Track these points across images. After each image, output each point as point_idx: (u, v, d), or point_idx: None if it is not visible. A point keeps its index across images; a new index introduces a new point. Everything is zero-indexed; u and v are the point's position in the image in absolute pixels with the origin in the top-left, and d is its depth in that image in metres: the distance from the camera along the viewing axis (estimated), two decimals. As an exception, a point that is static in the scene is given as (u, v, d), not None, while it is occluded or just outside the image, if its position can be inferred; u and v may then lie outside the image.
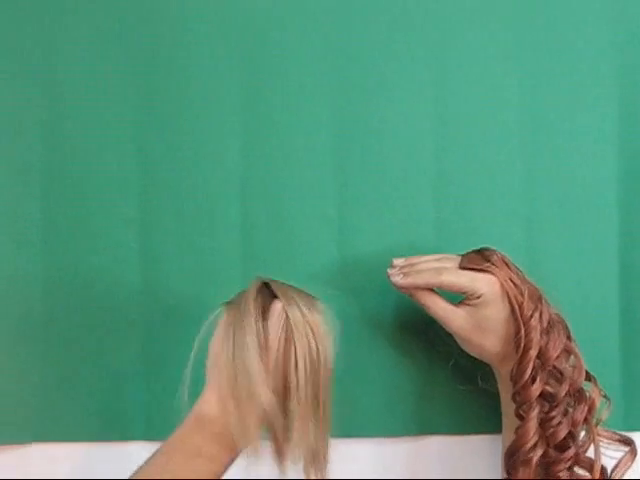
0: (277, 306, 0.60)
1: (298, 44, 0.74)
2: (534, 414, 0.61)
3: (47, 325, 0.73)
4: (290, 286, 0.63)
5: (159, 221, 0.73)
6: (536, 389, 0.61)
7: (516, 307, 0.62)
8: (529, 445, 0.60)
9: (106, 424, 0.73)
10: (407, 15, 0.75)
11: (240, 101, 0.74)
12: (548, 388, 0.62)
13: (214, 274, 0.74)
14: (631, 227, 0.76)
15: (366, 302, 0.74)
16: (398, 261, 0.67)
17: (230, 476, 0.61)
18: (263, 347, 0.58)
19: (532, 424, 0.61)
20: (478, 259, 0.64)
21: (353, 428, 0.74)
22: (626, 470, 0.64)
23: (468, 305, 0.63)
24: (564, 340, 0.63)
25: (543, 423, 0.61)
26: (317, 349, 0.59)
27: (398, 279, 0.64)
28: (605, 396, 0.64)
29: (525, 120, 0.75)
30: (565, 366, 0.63)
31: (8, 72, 0.73)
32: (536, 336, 0.61)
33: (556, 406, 0.61)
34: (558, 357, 0.62)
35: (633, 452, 0.64)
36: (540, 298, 0.63)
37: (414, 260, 0.66)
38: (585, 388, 0.64)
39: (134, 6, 0.74)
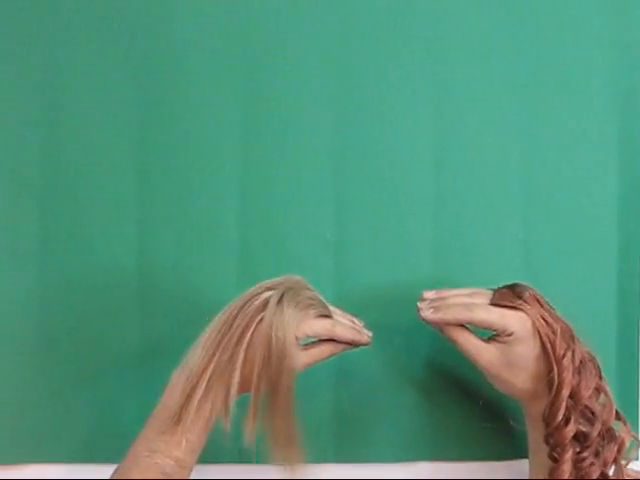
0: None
1: (298, 62, 0.74)
2: (568, 456, 0.60)
3: (43, 346, 0.72)
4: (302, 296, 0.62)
5: (156, 239, 0.73)
6: (570, 430, 0.60)
7: (548, 346, 0.61)
8: None
9: (102, 445, 0.72)
10: (406, 34, 0.74)
11: (239, 120, 0.74)
12: (581, 428, 0.60)
13: (211, 295, 0.73)
14: (630, 251, 0.76)
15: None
16: (428, 294, 0.66)
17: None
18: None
19: (567, 467, 0.59)
20: (510, 295, 0.63)
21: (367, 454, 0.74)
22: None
23: (499, 342, 0.62)
24: (596, 379, 0.62)
25: (575, 464, 0.60)
26: (274, 343, 0.59)
27: (428, 314, 0.63)
28: (635, 436, 0.63)
29: (524, 142, 0.75)
30: (596, 405, 0.62)
31: (7, 87, 0.73)
32: (568, 376, 0.60)
33: (588, 447, 0.60)
34: (590, 397, 0.61)
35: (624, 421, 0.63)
36: (572, 337, 0.62)
37: (444, 294, 0.65)
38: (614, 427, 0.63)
39: (134, 18, 0.73)
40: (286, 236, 0.73)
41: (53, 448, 0.72)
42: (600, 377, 0.63)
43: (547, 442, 0.61)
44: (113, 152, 0.73)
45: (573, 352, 0.61)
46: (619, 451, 0.62)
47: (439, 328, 0.65)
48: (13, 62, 0.72)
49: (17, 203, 0.72)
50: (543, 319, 0.61)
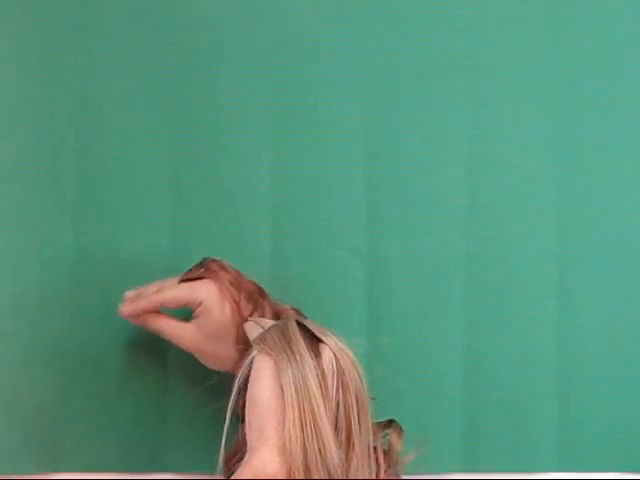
0: (327, 352, 0.55)
1: (331, 71, 0.75)
2: None
3: (71, 355, 0.73)
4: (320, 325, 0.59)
5: (190, 251, 0.73)
6: None
7: (234, 308, 0.62)
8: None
9: (130, 454, 0.73)
10: (442, 66, 0.76)
11: (272, 130, 0.75)
12: None
13: None
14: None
15: (394, 334, 0.74)
16: (129, 294, 0.67)
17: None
18: (326, 403, 0.53)
19: None
20: (196, 269, 0.65)
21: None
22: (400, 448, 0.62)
23: (195, 317, 0.64)
24: None
25: None
26: (364, 392, 0.56)
27: (124, 308, 0.65)
28: None
29: (558, 153, 0.75)
30: None
31: (40, 99, 0.73)
32: None
33: None
34: None
35: (397, 430, 0.62)
36: (263, 296, 0.63)
37: (142, 290, 0.66)
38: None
39: (167, 26, 0.74)
40: (319, 248, 0.74)
41: (79, 457, 0.73)
42: None
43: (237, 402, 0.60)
44: (146, 163, 0.74)
45: (263, 311, 0.62)
46: None
47: (140, 322, 0.66)
48: (46, 72, 0.73)
49: (51, 214, 0.73)
50: (229, 283, 0.62)
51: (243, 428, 0.58)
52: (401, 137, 0.75)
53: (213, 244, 0.73)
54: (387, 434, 0.61)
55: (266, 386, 0.53)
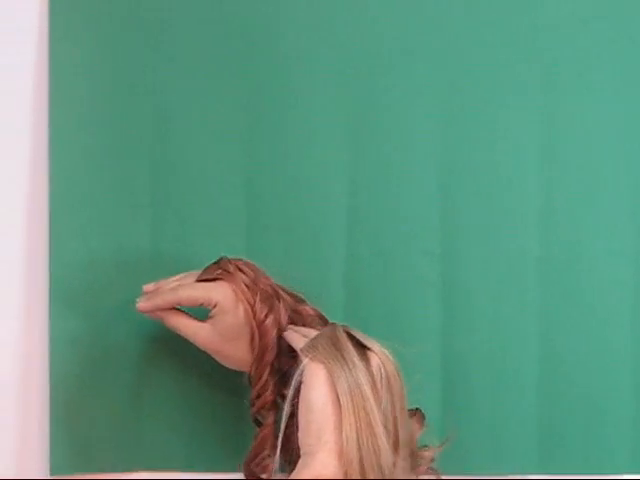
0: (375, 359, 0.57)
1: (403, 74, 0.75)
2: (271, 420, 0.60)
3: (147, 358, 0.73)
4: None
5: (264, 251, 0.73)
6: (271, 394, 0.60)
7: (249, 310, 0.61)
8: (267, 452, 0.59)
9: (211, 453, 0.73)
10: (514, 77, 0.75)
11: (347, 136, 0.74)
12: (287, 392, 0.58)
13: (318, 305, 0.70)
14: None
15: (469, 336, 0.74)
16: (148, 287, 0.67)
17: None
18: (378, 407, 0.55)
19: (269, 430, 0.60)
20: (213, 268, 0.64)
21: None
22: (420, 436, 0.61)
23: (211, 317, 0.63)
24: None
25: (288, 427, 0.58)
26: (405, 397, 0.57)
27: (141, 304, 0.64)
28: None
29: (633, 158, 0.75)
30: None
31: (117, 104, 0.73)
32: (272, 339, 0.61)
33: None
34: None
35: (419, 419, 0.62)
36: (279, 299, 0.62)
37: (161, 283, 0.66)
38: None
39: (248, 40, 0.74)
40: (393, 250, 0.74)
41: (158, 455, 0.73)
42: None
43: (252, 404, 0.62)
44: (222, 166, 0.74)
45: (278, 313, 0.61)
46: None
47: (157, 317, 0.65)
48: (122, 77, 0.73)
49: (128, 218, 0.73)
50: (245, 285, 0.62)
51: (261, 433, 0.61)
52: (474, 140, 0.74)
53: (287, 247, 0.73)
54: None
55: (321, 393, 0.54)
